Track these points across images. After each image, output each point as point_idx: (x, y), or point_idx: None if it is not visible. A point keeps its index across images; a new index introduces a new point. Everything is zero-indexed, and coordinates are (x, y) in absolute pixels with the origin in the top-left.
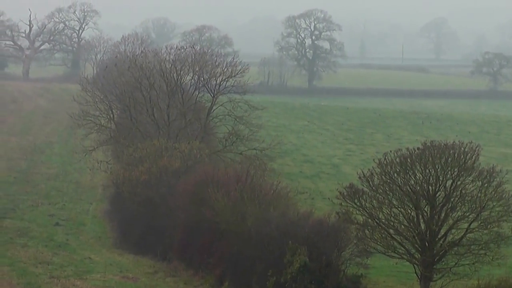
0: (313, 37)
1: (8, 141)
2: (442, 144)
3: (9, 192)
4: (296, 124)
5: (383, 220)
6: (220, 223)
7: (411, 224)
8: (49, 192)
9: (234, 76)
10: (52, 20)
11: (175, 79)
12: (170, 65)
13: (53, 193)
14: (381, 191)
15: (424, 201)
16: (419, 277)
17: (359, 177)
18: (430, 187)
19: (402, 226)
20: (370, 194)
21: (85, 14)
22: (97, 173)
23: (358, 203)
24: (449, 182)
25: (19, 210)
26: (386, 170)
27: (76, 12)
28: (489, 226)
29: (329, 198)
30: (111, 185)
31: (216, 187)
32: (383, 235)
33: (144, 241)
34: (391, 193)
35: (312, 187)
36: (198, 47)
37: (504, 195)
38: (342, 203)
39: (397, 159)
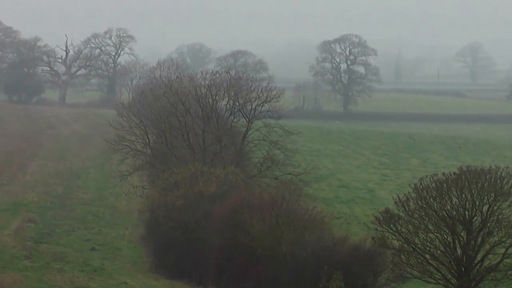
0: (348, 62)
1: (45, 166)
2: (478, 169)
3: (45, 217)
4: (331, 148)
5: (419, 245)
6: (256, 248)
7: (448, 249)
8: (85, 217)
9: (269, 101)
10: (88, 45)
11: (211, 104)
12: (205, 90)
13: (89, 218)
14: (417, 216)
15: (460, 226)
16: None
17: (395, 202)
18: (466, 212)
19: (438, 251)
20: (406, 219)
21: (121, 39)
22: (133, 198)
23: (394, 228)
24: (485, 207)
25: (55, 235)
26: (422, 195)
27: (112, 38)
28: None
29: (364, 223)
30: (147, 210)
31: (252, 211)
32: (419, 260)
33: (179, 265)
34: (427, 218)
35: (348, 212)
36: (233, 72)
37: None
38: (378, 228)
39: (433, 184)
